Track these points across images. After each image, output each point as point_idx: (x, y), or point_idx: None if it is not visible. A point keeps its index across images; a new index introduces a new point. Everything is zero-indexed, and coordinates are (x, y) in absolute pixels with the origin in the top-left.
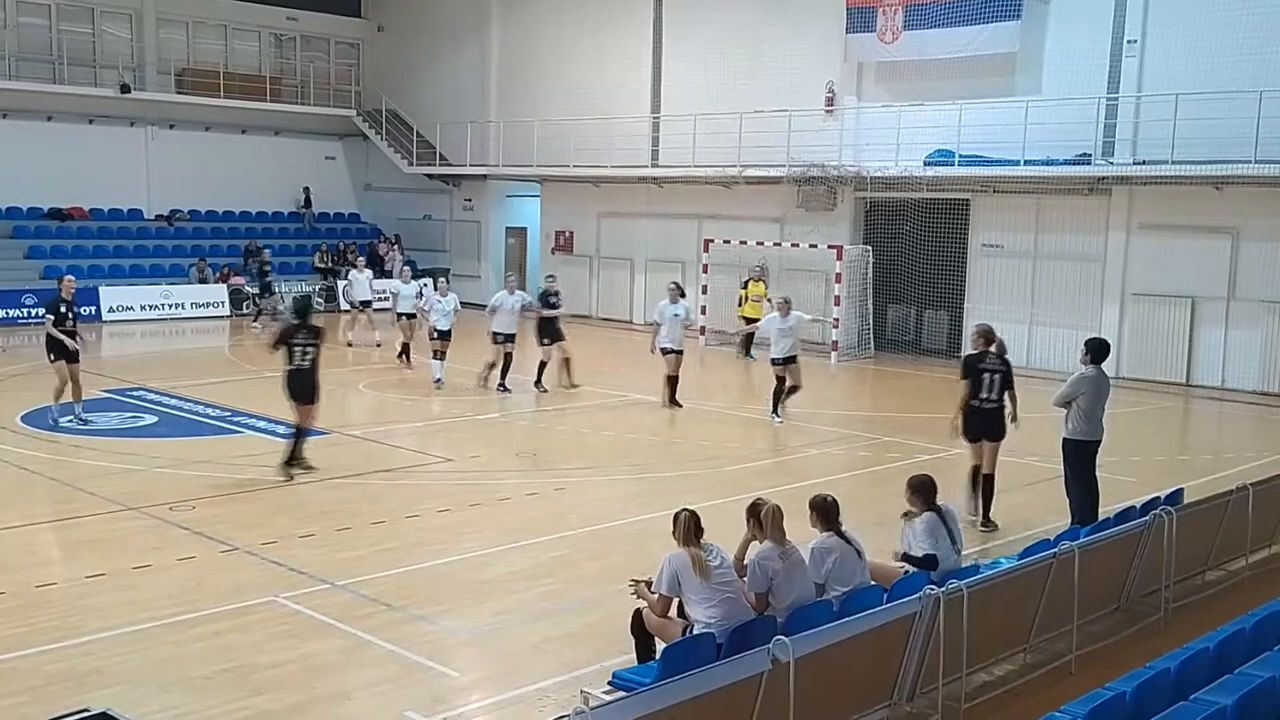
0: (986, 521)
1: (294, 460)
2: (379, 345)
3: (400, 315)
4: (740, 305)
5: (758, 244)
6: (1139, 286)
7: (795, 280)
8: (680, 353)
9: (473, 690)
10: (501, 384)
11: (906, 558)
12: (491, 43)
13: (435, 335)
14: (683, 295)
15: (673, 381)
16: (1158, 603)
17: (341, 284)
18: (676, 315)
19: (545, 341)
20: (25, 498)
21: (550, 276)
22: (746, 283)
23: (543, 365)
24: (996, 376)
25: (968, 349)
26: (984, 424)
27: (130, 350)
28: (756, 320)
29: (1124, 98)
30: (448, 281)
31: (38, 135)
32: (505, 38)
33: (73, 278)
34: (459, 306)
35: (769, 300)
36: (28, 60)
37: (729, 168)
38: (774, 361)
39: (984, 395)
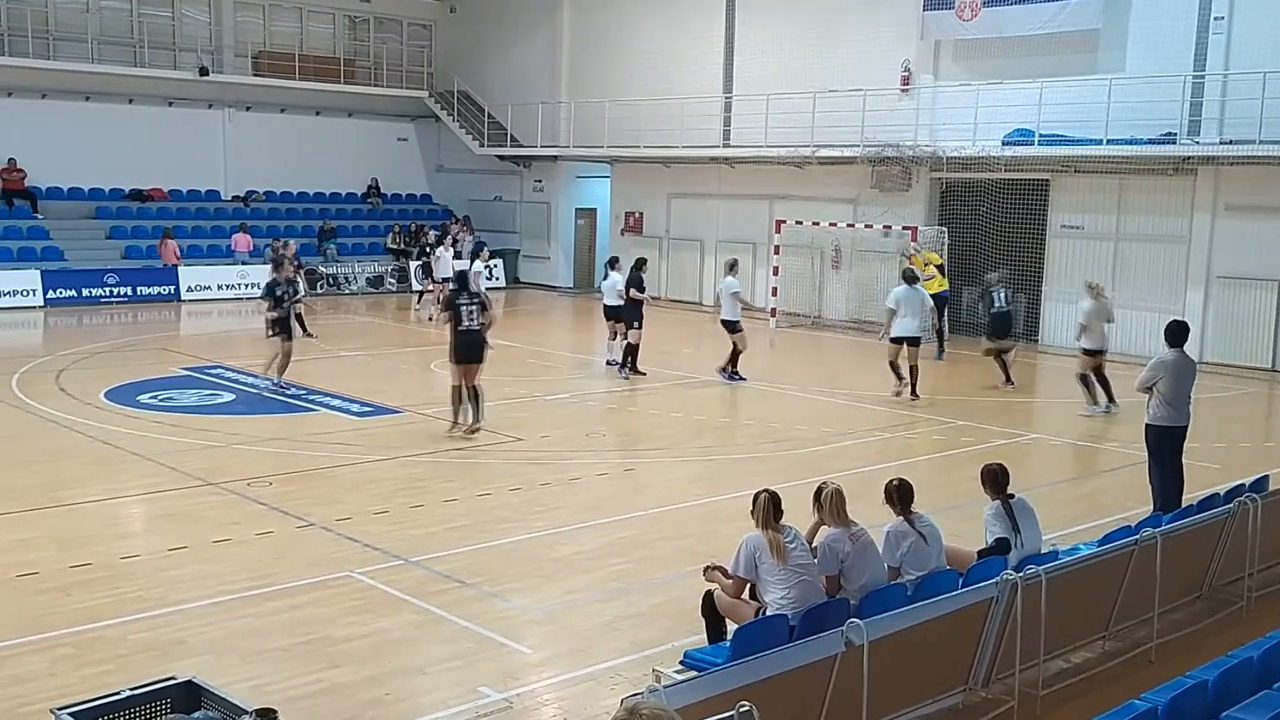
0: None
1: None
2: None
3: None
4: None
5: (830, 225)
6: (1224, 269)
7: (868, 262)
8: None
9: (545, 667)
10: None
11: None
12: (563, 23)
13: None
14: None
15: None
16: (1240, 591)
17: (428, 260)
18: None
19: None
20: (109, 472)
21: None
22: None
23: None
24: (475, 308)
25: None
26: (467, 350)
27: (208, 329)
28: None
29: (1210, 75)
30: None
31: (119, 117)
32: (576, 18)
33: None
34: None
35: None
36: (109, 44)
37: (802, 148)
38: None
39: (464, 325)
